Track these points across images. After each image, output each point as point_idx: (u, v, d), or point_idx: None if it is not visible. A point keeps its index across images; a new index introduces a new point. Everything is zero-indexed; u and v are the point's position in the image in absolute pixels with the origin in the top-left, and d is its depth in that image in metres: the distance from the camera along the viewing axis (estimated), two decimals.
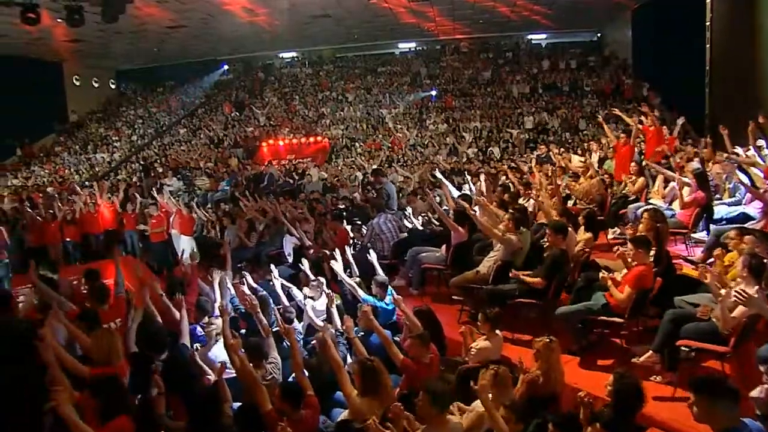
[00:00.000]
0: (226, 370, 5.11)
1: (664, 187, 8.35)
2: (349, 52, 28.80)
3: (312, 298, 6.59)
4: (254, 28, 21.30)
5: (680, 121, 11.14)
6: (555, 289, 5.87)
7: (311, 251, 9.66)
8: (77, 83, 27.36)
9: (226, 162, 21.06)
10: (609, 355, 5.52)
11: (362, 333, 5.50)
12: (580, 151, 14.56)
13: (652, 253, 5.38)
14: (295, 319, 6.36)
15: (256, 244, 10.79)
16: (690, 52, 16.02)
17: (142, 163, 21.95)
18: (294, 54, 29.34)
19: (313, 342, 5.81)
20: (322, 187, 16.03)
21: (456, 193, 9.55)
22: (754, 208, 7.25)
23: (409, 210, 10.28)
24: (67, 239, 11.90)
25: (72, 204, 12.79)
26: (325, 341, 4.60)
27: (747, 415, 3.32)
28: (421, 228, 9.09)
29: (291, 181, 17.46)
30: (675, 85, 17.92)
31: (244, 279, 6.90)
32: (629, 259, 5.44)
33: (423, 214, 9.64)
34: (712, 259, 6.15)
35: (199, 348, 5.64)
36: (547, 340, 4.51)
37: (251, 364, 4.56)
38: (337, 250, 7.18)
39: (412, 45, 28.27)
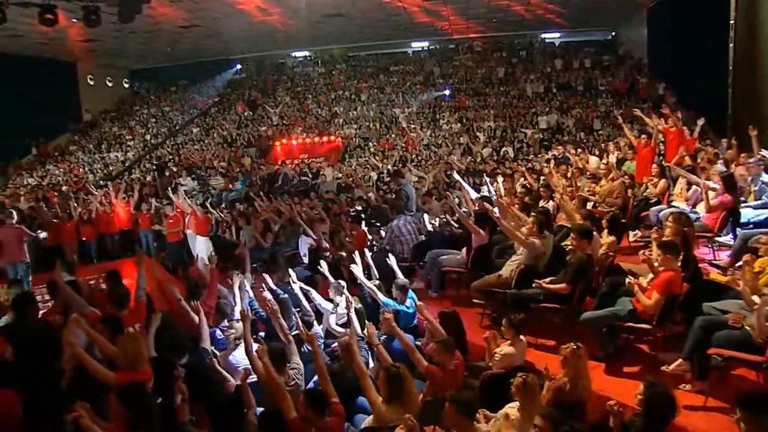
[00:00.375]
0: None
1: (687, 190, 8.22)
2: (362, 51, 28.75)
3: (331, 300, 6.55)
4: (267, 27, 21.28)
5: (700, 122, 10.97)
6: (580, 294, 5.77)
7: (328, 253, 9.63)
8: (91, 83, 27.49)
9: (240, 161, 21.07)
10: (634, 361, 5.44)
11: (384, 337, 5.43)
12: (597, 152, 14.40)
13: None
14: (315, 322, 6.31)
15: (272, 245, 10.76)
16: (708, 51, 15.83)
17: (155, 162, 21.99)
18: (306, 53, 29.31)
19: (333, 346, 5.77)
20: (336, 187, 15.97)
21: (474, 195, 9.48)
22: None
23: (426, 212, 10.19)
24: (83, 239, 11.94)
25: (88, 204, 12.82)
26: (350, 347, 4.54)
27: None
28: (439, 229, 9.00)
29: (305, 180, 17.41)
30: (692, 85, 17.69)
31: (264, 283, 6.85)
32: (656, 264, 5.34)
33: (441, 216, 9.53)
34: (739, 263, 6.03)
35: (219, 352, 5.61)
36: (574, 346, 4.43)
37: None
38: (356, 253, 7.08)
39: (425, 44, 28.15)
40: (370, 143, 22.21)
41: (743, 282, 4.59)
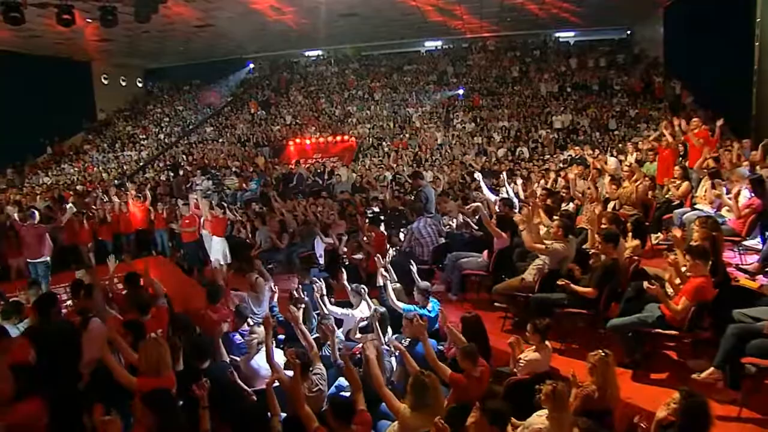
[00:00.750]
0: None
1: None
2: (375, 51, 28.67)
3: (350, 305, 6.49)
4: (281, 26, 21.28)
5: (719, 122, 10.80)
6: (606, 300, 5.67)
7: (345, 256, 9.59)
8: (105, 82, 27.65)
9: (253, 161, 21.08)
10: (661, 368, 5.34)
11: (407, 342, 5.36)
12: (615, 152, 14.23)
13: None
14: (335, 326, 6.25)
15: (288, 246, 10.74)
16: (728, 50, 15.60)
17: (170, 162, 22.05)
18: (319, 52, 29.27)
19: (354, 348, 5.72)
20: (351, 187, 15.91)
21: (492, 197, 9.38)
22: None
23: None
24: (100, 239, 11.97)
25: (104, 204, 12.87)
26: (370, 358, 4.47)
27: None
28: (459, 231, 8.91)
29: (320, 181, 17.36)
30: (711, 85, 17.47)
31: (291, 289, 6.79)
32: (683, 269, 5.23)
33: (463, 217, 9.43)
34: None
35: (239, 357, 5.57)
36: (602, 353, 4.34)
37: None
38: (378, 256, 7.00)
39: (438, 43, 28.02)
40: (384, 143, 22.13)
41: None
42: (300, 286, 6.77)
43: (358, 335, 5.81)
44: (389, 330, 5.93)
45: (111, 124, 27.61)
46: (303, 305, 6.08)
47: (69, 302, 8.38)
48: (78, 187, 18.87)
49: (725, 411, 4.41)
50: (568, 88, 23.41)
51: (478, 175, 9.85)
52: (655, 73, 22.48)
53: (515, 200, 9.02)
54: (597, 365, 4.29)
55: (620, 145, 15.94)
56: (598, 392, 4.23)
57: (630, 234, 6.53)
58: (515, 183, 10.22)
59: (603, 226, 6.21)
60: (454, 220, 9.88)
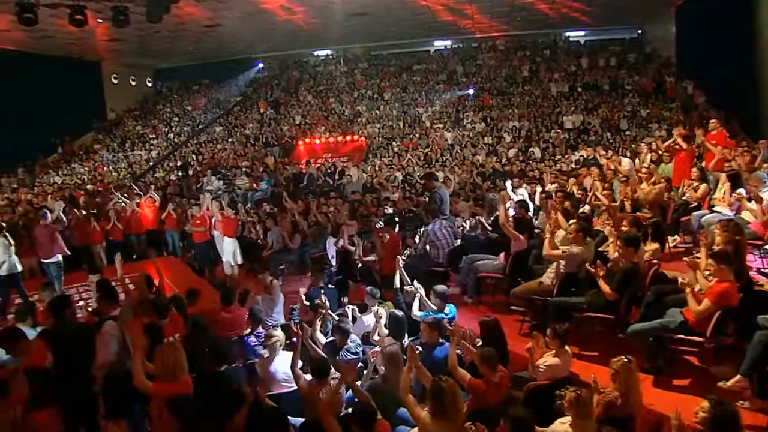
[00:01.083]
0: (286, 384, 5.01)
1: (731, 195, 7.94)
2: (384, 50, 28.56)
3: (366, 307, 6.43)
4: (291, 26, 21.24)
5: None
6: (626, 304, 5.58)
7: (357, 257, 9.54)
8: (115, 82, 27.73)
9: (263, 160, 21.06)
10: (683, 374, 5.27)
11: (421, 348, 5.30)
12: (629, 153, 14.09)
13: None
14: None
15: (300, 246, 10.70)
16: (742, 50, 15.43)
17: (180, 162, 22.08)
18: (328, 52, 29.21)
19: (370, 352, 5.66)
20: (362, 187, 15.84)
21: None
22: None
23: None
24: (111, 239, 11.97)
25: (115, 204, 12.88)
26: (394, 356, 4.43)
27: None
28: (474, 234, 8.83)
29: (330, 181, 17.31)
30: (723, 84, 17.28)
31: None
32: (706, 273, 5.14)
33: (476, 218, 9.34)
34: None
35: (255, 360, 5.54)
36: (625, 359, 4.27)
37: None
38: (398, 258, 6.94)
39: (448, 43, 27.89)
40: (393, 143, 22.06)
41: None
42: (321, 289, 6.73)
43: (376, 337, 5.74)
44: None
45: (121, 123, 27.70)
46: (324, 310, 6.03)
47: (81, 303, 8.44)
48: (89, 187, 18.92)
49: (752, 420, 4.33)
50: (578, 88, 23.22)
51: (508, 183, 9.72)
52: (667, 72, 22.27)
53: (530, 204, 8.94)
54: (620, 371, 4.22)
55: (633, 146, 15.78)
56: (621, 399, 4.17)
57: (649, 237, 6.44)
58: (529, 186, 10.10)
59: (623, 229, 6.12)
60: (467, 222, 9.81)
